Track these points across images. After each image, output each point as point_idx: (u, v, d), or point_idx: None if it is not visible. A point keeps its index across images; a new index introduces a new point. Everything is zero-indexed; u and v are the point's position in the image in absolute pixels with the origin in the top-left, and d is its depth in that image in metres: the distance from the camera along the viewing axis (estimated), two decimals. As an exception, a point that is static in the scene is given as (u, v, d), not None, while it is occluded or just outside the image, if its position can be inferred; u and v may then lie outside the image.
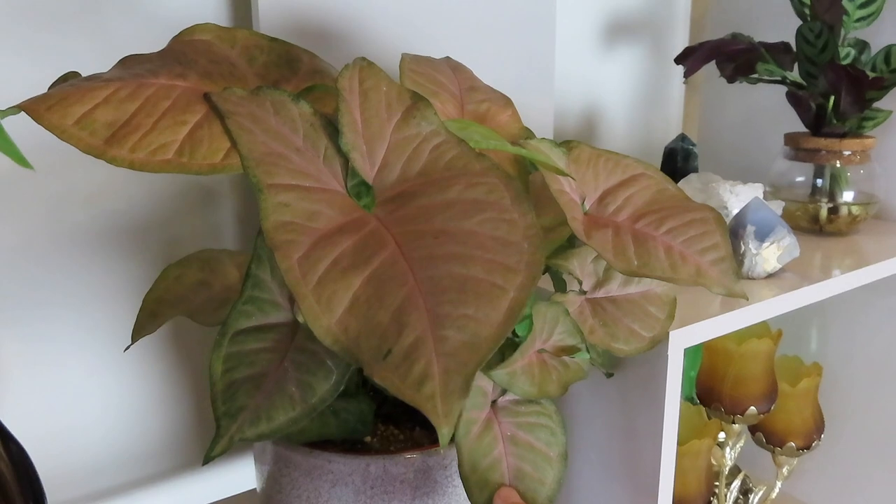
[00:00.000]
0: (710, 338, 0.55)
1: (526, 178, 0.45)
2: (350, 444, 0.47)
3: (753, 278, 0.64)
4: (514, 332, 0.44)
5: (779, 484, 0.86)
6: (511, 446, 0.38)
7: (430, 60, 0.50)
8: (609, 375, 0.55)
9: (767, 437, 0.82)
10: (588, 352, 0.44)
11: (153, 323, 0.43)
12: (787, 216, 0.82)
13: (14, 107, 0.31)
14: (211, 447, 0.34)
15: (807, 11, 0.79)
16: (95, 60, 0.57)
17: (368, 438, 0.49)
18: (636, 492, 0.57)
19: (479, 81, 0.52)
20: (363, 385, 0.45)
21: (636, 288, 0.48)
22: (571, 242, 0.49)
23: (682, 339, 0.52)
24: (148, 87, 0.33)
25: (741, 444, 0.81)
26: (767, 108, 0.97)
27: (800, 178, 0.82)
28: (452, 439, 0.38)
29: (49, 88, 0.35)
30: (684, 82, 0.88)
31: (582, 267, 0.47)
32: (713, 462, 0.80)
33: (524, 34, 0.80)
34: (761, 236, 0.63)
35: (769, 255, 0.63)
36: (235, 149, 0.32)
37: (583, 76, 0.96)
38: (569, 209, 0.42)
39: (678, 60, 0.84)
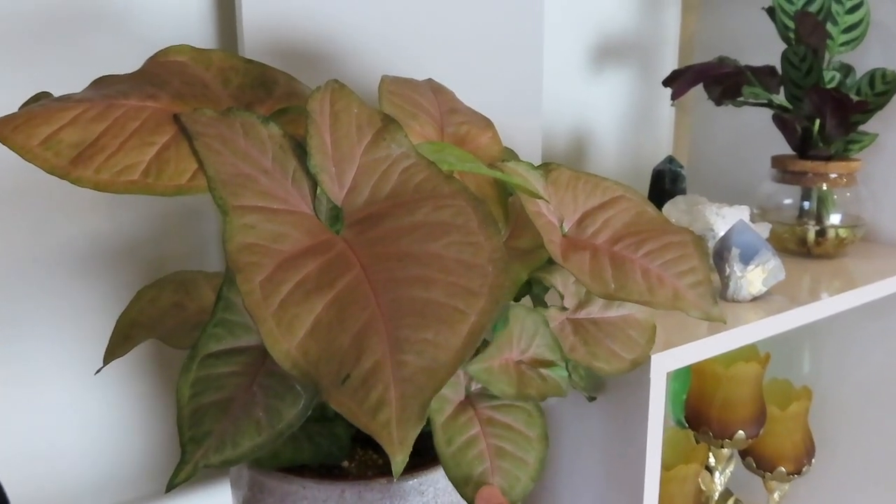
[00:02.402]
0: (693, 361, 0.54)
1: (505, 200, 0.45)
2: (326, 470, 0.46)
3: (739, 301, 0.64)
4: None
5: (770, 509, 0.84)
6: (489, 427, 0.38)
7: (411, 82, 0.50)
8: (591, 399, 0.55)
9: (757, 461, 0.81)
10: (567, 369, 0.43)
11: (126, 345, 0.43)
12: (775, 239, 0.82)
13: (-19, 127, 0.31)
14: (175, 473, 0.33)
15: (791, 35, 0.79)
16: (83, 83, 0.57)
17: (346, 463, 0.48)
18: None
19: (460, 103, 0.52)
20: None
21: (617, 311, 0.48)
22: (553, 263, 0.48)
23: (664, 363, 0.52)
24: (117, 108, 0.33)
25: (731, 468, 0.80)
26: (757, 130, 0.97)
27: (788, 201, 0.82)
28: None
29: (19, 109, 0.35)
30: (672, 105, 0.89)
31: (565, 285, 0.46)
32: (702, 487, 0.79)
33: (511, 56, 0.80)
34: (746, 259, 0.63)
35: (754, 277, 0.63)
36: (202, 170, 0.31)
37: (572, 97, 0.97)
38: (545, 231, 0.42)
39: (666, 83, 0.84)
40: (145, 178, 0.31)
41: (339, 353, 0.27)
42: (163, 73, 0.37)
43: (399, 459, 0.25)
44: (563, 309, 0.45)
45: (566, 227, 0.46)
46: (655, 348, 0.52)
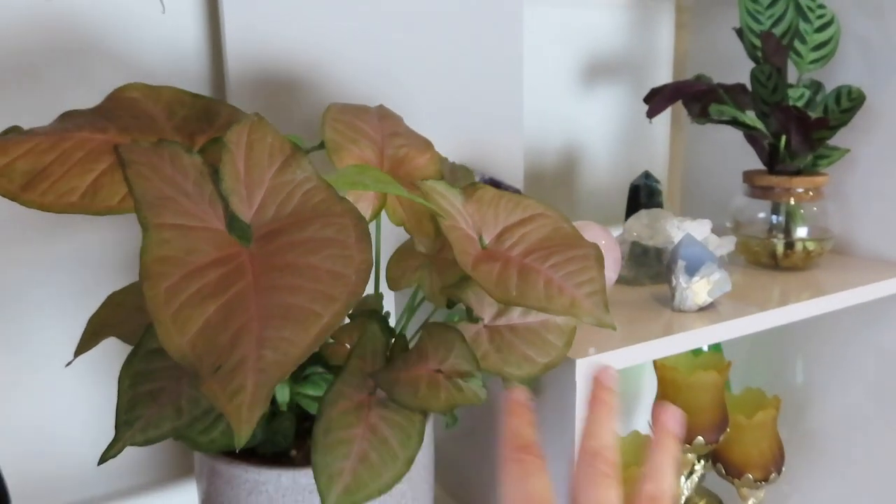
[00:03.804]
0: (624, 365, 0.57)
1: (432, 216, 0.50)
2: (276, 457, 0.51)
3: (684, 311, 0.67)
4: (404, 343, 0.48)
5: (744, 517, 0.86)
6: (370, 433, 0.42)
7: (357, 109, 0.56)
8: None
9: (726, 468, 0.83)
10: (480, 379, 0.48)
11: (93, 342, 0.49)
12: (747, 251, 0.84)
13: (-47, 158, 0.38)
14: (107, 450, 0.39)
15: (759, 54, 0.82)
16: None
17: (293, 452, 0.53)
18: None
19: (403, 128, 0.57)
20: (272, 403, 0.50)
21: (536, 317, 0.52)
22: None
23: (590, 367, 0.56)
24: (67, 140, 0.40)
25: (699, 474, 0.83)
26: (746, 146, 0.99)
27: (761, 215, 0.84)
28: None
29: (-6, 141, 0.42)
30: (650, 122, 0.91)
31: (480, 297, 0.51)
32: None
33: (491, 77, 0.85)
34: (691, 271, 0.66)
35: (699, 289, 0.66)
36: (131, 193, 0.37)
37: (561, 115, 1.00)
38: (457, 243, 0.47)
39: (646, 100, 0.87)
40: (82, 200, 0.37)
41: (218, 349, 0.32)
42: (116, 107, 0.44)
43: (243, 435, 0.30)
44: (477, 320, 0.50)
45: (486, 241, 0.50)
46: (582, 353, 0.56)
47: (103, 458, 0.39)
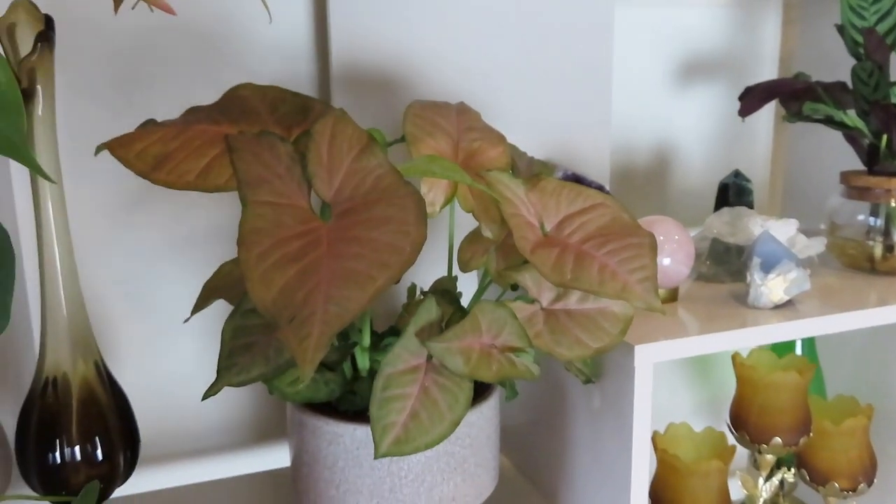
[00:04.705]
0: (679, 356, 0.59)
1: (497, 203, 0.54)
2: (355, 414, 0.58)
3: (759, 308, 0.67)
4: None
5: (830, 528, 0.84)
6: (422, 394, 0.47)
7: (437, 105, 0.61)
8: (586, 382, 0.62)
9: (810, 474, 0.81)
10: (532, 355, 0.51)
11: (206, 303, 0.58)
12: (843, 254, 0.81)
13: (101, 145, 0.47)
14: (209, 388, 0.47)
15: (861, 51, 0.79)
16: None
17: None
18: (616, 492, 0.63)
19: (480, 123, 0.62)
20: (354, 369, 0.56)
21: (593, 304, 0.55)
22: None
23: (649, 354, 0.58)
24: (188, 131, 0.48)
25: (779, 477, 0.81)
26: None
27: (859, 217, 0.81)
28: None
29: (134, 130, 0.51)
30: (742, 121, 0.90)
31: (540, 280, 0.54)
32: (744, 490, 0.81)
33: (580, 77, 0.88)
34: (766, 268, 0.66)
35: (774, 286, 0.66)
36: (235, 174, 0.45)
37: (653, 114, 1.01)
38: (517, 229, 0.51)
39: (740, 99, 0.87)
40: (197, 179, 0.45)
41: (294, 304, 0.38)
42: (229, 103, 0.52)
43: (307, 372, 0.36)
44: (532, 301, 0.54)
45: (548, 228, 0.54)
46: (642, 339, 0.58)
47: (206, 395, 0.47)
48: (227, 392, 0.80)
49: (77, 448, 0.58)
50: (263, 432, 0.83)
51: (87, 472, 0.58)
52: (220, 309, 0.71)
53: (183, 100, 0.73)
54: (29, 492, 0.59)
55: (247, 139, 0.46)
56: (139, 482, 0.71)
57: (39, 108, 0.52)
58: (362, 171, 0.45)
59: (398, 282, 0.40)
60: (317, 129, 0.46)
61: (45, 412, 0.58)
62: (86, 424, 0.59)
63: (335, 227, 0.43)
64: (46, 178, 0.36)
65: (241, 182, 0.44)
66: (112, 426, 0.61)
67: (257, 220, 0.43)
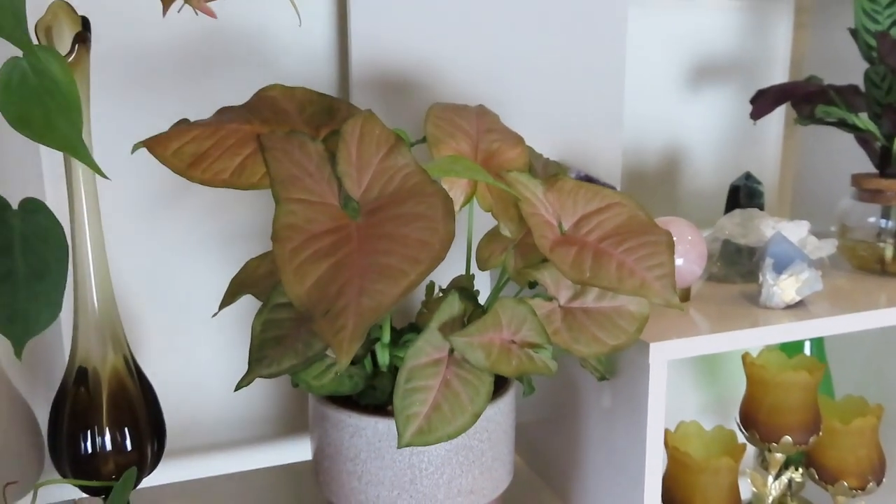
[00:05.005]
0: (693, 354, 0.60)
1: (516, 203, 0.56)
2: (376, 408, 0.59)
3: (770, 307, 0.68)
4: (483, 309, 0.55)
5: (838, 526, 0.85)
6: (444, 387, 0.49)
7: (457, 108, 0.62)
8: (601, 379, 0.63)
9: (819, 472, 0.83)
10: (550, 351, 0.53)
11: (233, 298, 0.59)
12: (854, 256, 0.83)
13: (139, 143, 0.49)
14: (242, 380, 0.48)
15: (874, 55, 0.80)
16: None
17: (390, 406, 0.61)
18: (628, 490, 0.64)
19: (499, 125, 0.63)
20: (374, 365, 0.58)
21: (609, 303, 0.56)
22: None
23: (664, 352, 0.59)
24: (222, 130, 0.49)
25: (788, 476, 0.82)
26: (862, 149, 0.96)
27: (871, 219, 0.83)
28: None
29: (168, 129, 0.53)
30: (753, 123, 0.91)
31: (558, 278, 0.56)
32: (753, 489, 0.82)
33: (593, 80, 0.89)
34: (779, 268, 0.67)
35: (787, 286, 0.67)
36: (268, 172, 0.46)
37: (666, 116, 1.02)
38: (537, 229, 0.53)
39: (752, 102, 0.88)
40: (231, 177, 0.47)
41: (328, 297, 0.40)
42: (259, 104, 0.53)
43: (344, 361, 0.37)
44: (550, 299, 0.55)
45: (566, 227, 0.56)
46: (656, 338, 0.59)
47: (238, 386, 0.49)
48: (249, 387, 0.82)
49: (107, 438, 0.60)
50: (285, 427, 0.85)
51: (117, 461, 0.60)
52: (245, 305, 0.73)
53: (213, 99, 0.75)
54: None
55: (278, 138, 0.48)
56: (164, 473, 0.73)
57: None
58: (391, 170, 0.47)
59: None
60: (346, 128, 0.48)
61: (76, 403, 0.60)
62: (116, 415, 0.60)
63: (365, 224, 0.45)
64: (101, 174, 0.38)
65: (274, 180, 0.46)
66: (140, 417, 0.62)
67: (290, 216, 0.44)
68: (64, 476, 0.60)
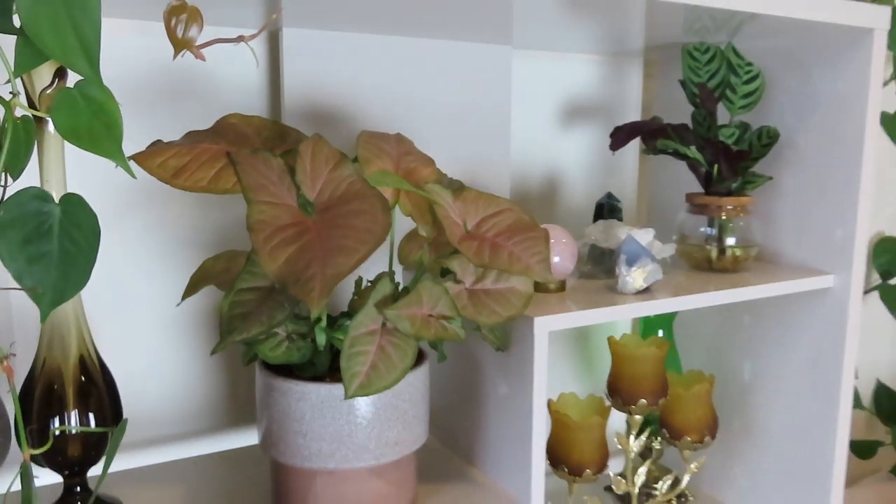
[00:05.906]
0: (567, 326, 0.78)
1: (433, 209, 0.71)
2: (314, 380, 0.72)
3: (625, 293, 0.87)
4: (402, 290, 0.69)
5: (686, 477, 1.05)
6: (379, 350, 0.63)
7: (381, 135, 0.78)
8: (498, 349, 0.79)
9: (669, 431, 1.03)
10: (460, 322, 0.68)
11: (195, 290, 0.71)
12: (689, 257, 1.04)
13: (130, 156, 0.60)
14: (216, 346, 0.60)
15: (697, 101, 1.03)
16: (181, 132, 0.87)
17: (327, 378, 0.74)
18: (519, 446, 0.80)
19: (414, 149, 0.79)
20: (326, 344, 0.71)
21: (503, 284, 0.73)
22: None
23: (545, 324, 0.76)
24: (196, 148, 0.62)
25: (645, 437, 1.02)
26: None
27: (700, 228, 1.05)
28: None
29: (146, 148, 0.64)
30: (612, 154, 1.12)
31: (464, 267, 0.72)
32: (619, 446, 1.01)
33: (484, 116, 1.08)
34: (630, 263, 0.87)
35: (636, 276, 0.86)
36: (239, 181, 0.59)
37: (544, 147, 1.22)
38: (448, 227, 0.68)
39: (611, 136, 1.09)
40: (209, 184, 0.59)
41: (297, 271, 0.53)
42: (223, 129, 0.66)
43: (316, 310, 0.51)
44: (459, 282, 0.71)
45: (469, 226, 0.72)
46: (540, 314, 0.76)
47: (214, 351, 0.60)
48: (194, 382, 0.92)
49: (74, 422, 0.68)
50: (219, 423, 0.95)
51: (84, 445, 0.69)
52: (185, 310, 0.83)
53: (178, 125, 0.86)
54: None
55: (245, 155, 0.61)
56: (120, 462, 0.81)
57: (52, 128, 0.64)
58: (338, 179, 0.61)
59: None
60: (302, 147, 0.61)
61: (45, 391, 0.68)
62: (82, 402, 0.69)
63: (320, 219, 0.59)
64: (133, 175, 0.49)
65: (245, 187, 0.59)
66: (104, 404, 0.71)
67: (260, 214, 0.57)
68: (34, 460, 0.68)
